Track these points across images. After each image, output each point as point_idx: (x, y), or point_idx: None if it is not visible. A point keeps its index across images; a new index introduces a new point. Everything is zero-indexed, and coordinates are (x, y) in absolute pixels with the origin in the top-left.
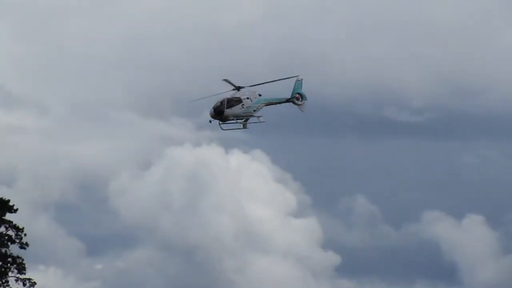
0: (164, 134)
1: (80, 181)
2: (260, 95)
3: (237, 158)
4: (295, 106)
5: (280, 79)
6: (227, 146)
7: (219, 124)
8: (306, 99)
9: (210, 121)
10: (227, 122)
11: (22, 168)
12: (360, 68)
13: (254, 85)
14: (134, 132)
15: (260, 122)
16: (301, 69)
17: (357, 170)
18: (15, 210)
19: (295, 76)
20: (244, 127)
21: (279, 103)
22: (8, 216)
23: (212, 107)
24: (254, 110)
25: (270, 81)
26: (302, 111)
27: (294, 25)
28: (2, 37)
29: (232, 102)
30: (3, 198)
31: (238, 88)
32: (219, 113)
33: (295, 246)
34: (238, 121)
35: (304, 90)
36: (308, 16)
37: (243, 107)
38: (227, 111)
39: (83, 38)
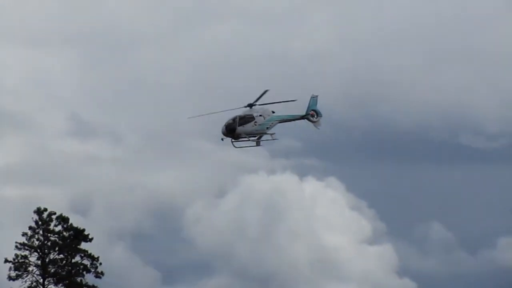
0: (239, 162)
1: (155, 210)
2: (273, 112)
3: (311, 185)
4: (310, 123)
5: (288, 100)
6: (302, 173)
7: (232, 142)
8: (321, 116)
9: (222, 139)
10: (240, 140)
11: (97, 198)
12: (435, 94)
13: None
14: (208, 160)
15: (273, 139)
16: (375, 96)
17: (432, 196)
18: (90, 239)
19: (293, 100)
20: (258, 144)
21: (293, 120)
22: (84, 245)
23: (224, 124)
24: (267, 128)
25: (283, 101)
26: (317, 128)
27: (368, 52)
28: (76, 67)
29: (245, 119)
30: (79, 228)
31: (251, 106)
32: (231, 130)
33: (371, 274)
34: (251, 138)
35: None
36: (382, 44)
37: (255, 125)
38: (239, 129)
39: (156, 67)
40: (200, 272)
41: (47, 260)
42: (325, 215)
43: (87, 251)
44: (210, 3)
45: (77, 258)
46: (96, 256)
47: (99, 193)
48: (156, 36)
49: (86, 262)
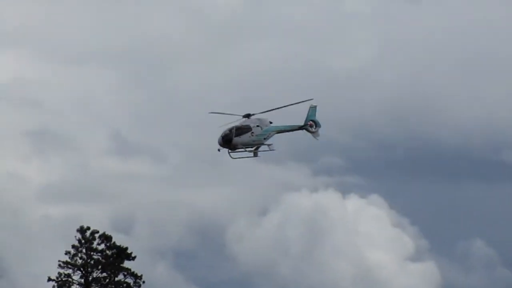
0: (282, 179)
1: (198, 228)
2: (271, 122)
3: (354, 203)
4: (308, 134)
5: (293, 104)
6: (344, 191)
7: (229, 152)
8: (320, 127)
9: (218, 150)
10: (237, 150)
11: (140, 216)
12: (478, 111)
13: (266, 111)
14: (251, 178)
15: (271, 150)
16: (417, 113)
17: (474, 213)
18: (133, 258)
19: (309, 100)
20: (255, 155)
21: (292, 130)
22: (127, 264)
23: (220, 135)
24: (265, 138)
25: (282, 106)
26: (316, 139)
27: (409, 69)
28: (118, 85)
29: (241, 130)
30: (121, 246)
31: (248, 116)
32: (227, 141)
33: None
34: (247, 149)
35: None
36: (423, 61)
37: (252, 135)
38: (236, 140)
39: (198, 84)
40: None
41: (90, 278)
42: (368, 232)
43: (130, 269)
44: (251, 20)
45: (120, 276)
46: (139, 274)
47: (142, 211)
48: (197, 53)
49: (129, 280)
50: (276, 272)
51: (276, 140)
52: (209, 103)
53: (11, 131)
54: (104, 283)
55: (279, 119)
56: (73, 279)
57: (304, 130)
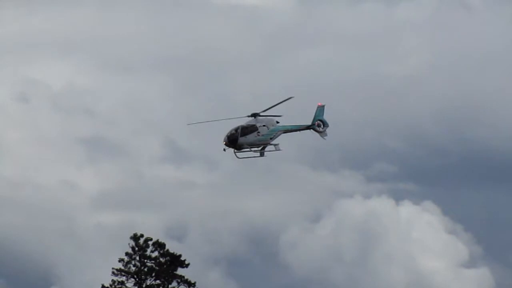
0: (334, 186)
1: (251, 235)
2: (278, 122)
3: (407, 209)
4: (316, 133)
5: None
6: (398, 197)
7: (234, 152)
8: (327, 126)
9: (224, 149)
10: (243, 150)
11: (193, 223)
12: None
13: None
14: (304, 185)
15: (277, 150)
16: (471, 119)
17: None
18: (187, 265)
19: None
20: (262, 155)
21: (299, 130)
22: (180, 271)
23: (226, 135)
24: (271, 138)
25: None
26: (324, 138)
27: (462, 75)
28: (171, 92)
29: (247, 129)
30: (175, 253)
31: (255, 115)
32: (233, 141)
33: None
34: (253, 149)
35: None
36: (475, 66)
37: (258, 135)
38: (241, 139)
39: (251, 91)
40: None
41: (144, 286)
42: (421, 239)
43: (183, 277)
44: (303, 27)
45: (174, 284)
46: (192, 282)
47: (195, 218)
48: (250, 60)
49: (183, 287)
50: (329, 279)
51: (331, 147)
52: (261, 109)
53: (64, 139)
54: None
55: (286, 119)
56: (126, 287)
57: (312, 130)
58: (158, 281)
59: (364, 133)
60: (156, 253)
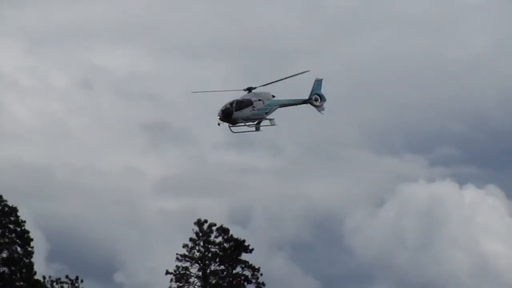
0: (397, 171)
1: (315, 220)
2: (274, 96)
3: (471, 193)
4: (313, 107)
5: (293, 75)
6: (461, 181)
7: (229, 127)
8: (325, 100)
9: (218, 124)
10: (237, 125)
11: (257, 208)
12: None
13: (268, 84)
14: (367, 170)
15: (272, 125)
16: None
17: None
18: (251, 250)
19: (306, 71)
20: (257, 129)
21: (295, 104)
22: (244, 256)
23: (220, 109)
24: (266, 113)
25: (283, 78)
26: (321, 113)
27: None
28: (233, 78)
29: (242, 104)
30: (239, 239)
31: (250, 89)
32: (227, 115)
33: None
34: (247, 123)
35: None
36: None
37: (253, 110)
38: (236, 114)
39: (314, 76)
40: (360, 281)
41: (208, 271)
42: (484, 223)
43: (247, 262)
44: (366, 11)
45: (238, 269)
46: (256, 267)
47: (259, 203)
48: (313, 45)
49: (247, 273)
50: (393, 264)
51: (394, 131)
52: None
53: (127, 125)
54: (222, 275)
55: (282, 93)
56: (191, 272)
57: (309, 104)
58: (222, 267)
59: (427, 117)
60: (220, 239)
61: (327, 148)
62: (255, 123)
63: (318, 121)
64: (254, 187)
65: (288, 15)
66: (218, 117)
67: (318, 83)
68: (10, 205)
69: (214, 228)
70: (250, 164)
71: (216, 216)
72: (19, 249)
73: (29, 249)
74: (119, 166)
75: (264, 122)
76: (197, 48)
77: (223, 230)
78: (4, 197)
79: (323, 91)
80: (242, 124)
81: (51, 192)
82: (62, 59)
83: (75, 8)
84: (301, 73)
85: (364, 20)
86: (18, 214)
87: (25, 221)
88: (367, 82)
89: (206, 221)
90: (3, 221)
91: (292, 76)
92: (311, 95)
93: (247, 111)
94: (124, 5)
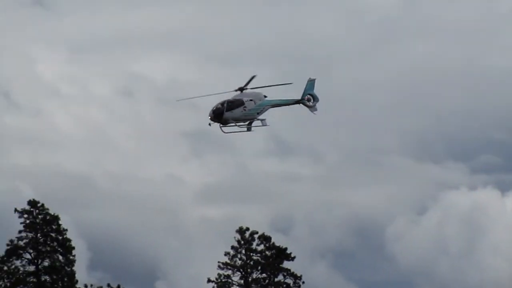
0: (439, 178)
1: (356, 228)
2: (265, 96)
3: None
4: (305, 108)
5: (277, 85)
6: (503, 189)
7: (220, 127)
8: (318, 101)
9: (209, 124)
10: (229, 125)
11: (299, 216)
12: None
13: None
14: (408, 177)
15: (264, 126)
16: None
17: None
18: (293, 258)
19: (289, 83)
20: (249, 130)
21: (287, 105)
22: (286, 264)
23: (211, 109)
24: (258, 113)
25: (267, 86)
26: (314, 113)
27: None
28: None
29: (234, 104)
30: (281, 246)
31: (241, 89)
32: (218, 115)
33: None
34: (239, 124)
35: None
36: None
37: (245, 110)
38: (227, 114)
39: (355, 83)
40: None
41: (249, 279)
42: None
43: (289, 270)
44: (407, 20)
45: (280, 277)
46: (298, 275)
47: (301, 211)
48: (354, 53)
49: (289, 280)
50: (435, 271)
51: (436, 139)
52: (366, 102)
53: (168, 133)
54: (264, 283)
55: (275, 93)
56: (232, 280)
57: (301, 104)
58: (264, 275)
59: (469, 124)
60: (262, 246)
61: (369, 155)
62: (246, 123)
63: (358, 127)
64: (295, 195)
65: (330, 23)
66: (209, 117)
67: (311, 83)
68: (52, 214)
69: (256, 236)
70: (291, 172)
71: (258, 223)
72: (61, 257)
73: (71, 257)
74: (161, 174)
75: (256, 123)
76: (238, 56)
77: (265, 238)
78: (46, 206)
79: (316, 90)
80: (233, 124)
81: (93, 200)
82: (102, 67)
83: (115, 16)
84: (284, 84)
85: (407, 28)
86: (60, 222)
87: (66, 230)
88: (409, 90)
89: (248, 229)
90: (45, 230)
91: (275, 85)
92: (303, 95)
93: (238, 112)
94: (165, 12)
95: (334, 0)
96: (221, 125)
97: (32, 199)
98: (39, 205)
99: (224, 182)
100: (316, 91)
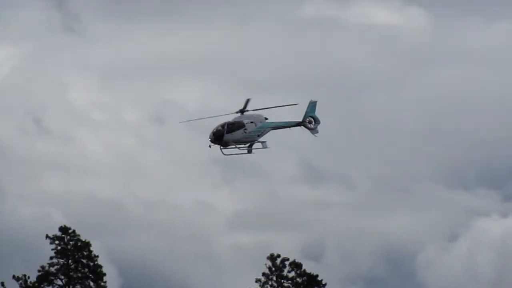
0: (470, 205)
1: (387, 255)
2: (266, 118)
3: None
4: (306, 130)
5: (282, 106)
6: None
7: (220, 149)
8: (319, 123)
9: (209, 146)
10: (229, 147)
11: (330, 243)
12: None
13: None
14: (439, 204)
15: (264, 148)
16: None
17: None
18: (324, 285)
19: (295, 104)
20: (249, 152)
21: (289, 127)
22: None
23: (211, 131)
24: (258, 135)
25: (271, 107)
26: (315, 135)
27: None
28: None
29: (234, 126)
30: (312, 273)
31: (242, 111)
32: (219, 137)
33: None
34: (238, 146)
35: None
36: None
37: (245, 132)
38: (227, 136)
39: (386, 110)
40: None
41: None
42: None
43: None
44: (439, 46)
45: None
46: None
47: (332, 238)
48: (385, 79)
49: None
50: None
51: (467, 165)
52: (398, 128)
53: (200, 159)
54: None
55: (276, 115)
56: None
57: (302, 127)
58: None
59: (500, 151)
60: (293, 273)
61: (400, 182)
62: (247, 145)
63: (389, 154)
64: (326, 221)
65: (361, 50)
66: (209, 139)
67: (312, 105)
68: (83, 240)
69: (287, 263)
70: (322, 198)
71: (289, 250)
72: (92, 283)
73: (102, 283)
74: (191, 200)
75: (256, 145)
76: (269, 83)
77: (296, 265)
78: (77, 232)
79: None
80: (234, 146)
81: (124, 226)
82: (134, 94)
83: (147, 43)
84: (290, 105)
85: (438, 55)
86: (91, 248)
87: (97, 256)
88: (440, 117)
89: (279, 255)
90: (76, 256)
91: (281, 106)
92: (305, 117)
93: (238, 134)
94: (197, 39)
95: (365, 28)
96: (221, 147)
97: (63, 225)
98: (70, 231)
99: (255, 208)
100: (348, 117)
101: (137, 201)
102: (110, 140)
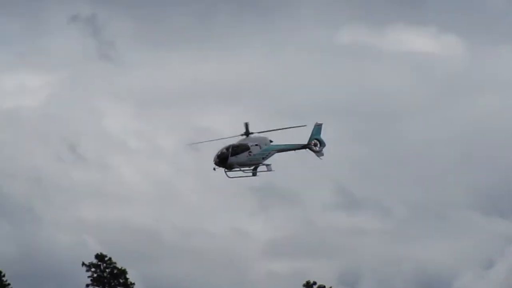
0: (507, 232)
1: (424, 282)
2: (271, 141)
3: None
4: (312, 153)
5: (291, 127)
6: None
7: (225, 172)
8: (324, 145)
9: (214, 169)
10: (234, 170)
11: (366, 270)
12: None
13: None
14: (475, 231)
15: (269, 171)
16: None
17: None
18: None
19: (303, 126)
20: (254, 175)
21: (294, 149)
22: None
23: (216, 154)
24: (263, 158)
25: (281, 129)
26: (320, 158)
27: None
28: (341, 139)
29: (238, 149)
30: None
31: (247, 134)
32: (223, 160)
33: None
34: (242, 169)
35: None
36: None
37: (250, 155)
38: (232, 159)
39: (422, 137)
40: None
41: None
42: None
43: None
44: (475, 74)
45: None
46: None
47: (367, 266)
48: (421, 107)
49: None
50: None
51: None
52: (434, 156)
53: (235, 187)
54: None
55: (281, 138)
56: None
57: (308, 149)
58: None
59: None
60: None
61: (436, 210)
62: (251, 168)
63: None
64: (363, 249)
65: (396, 78)
66: (214, 162)
67: (317, 128)
68: (119, 267)
69: None
70: (358, 226)
71: (325, 278)
72: None
73: None
74: (227, 228)
75: (261, 168)
76: (304, 110)
77: None
78: (113, 259)
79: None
80: (238, 169)
81: (160, 254)
82: (169, 121)
83: (182, 70)
84: (299, 126)
85: (474, 82)
86: (127, 276)
87: (134, 283)
88: (477, 144)
89: (315, 283)
90: (112, 284)
91: (290, 128)
92: (310, 140)
93: (243, 156)
94: (232, 66)
95: (401, 55)
96: (226, 170)
97: (99, 253)
98: (106, 258)
99: (291, 236)
100: (385, 145)
101: (173, 229)
102: (145, 167)
